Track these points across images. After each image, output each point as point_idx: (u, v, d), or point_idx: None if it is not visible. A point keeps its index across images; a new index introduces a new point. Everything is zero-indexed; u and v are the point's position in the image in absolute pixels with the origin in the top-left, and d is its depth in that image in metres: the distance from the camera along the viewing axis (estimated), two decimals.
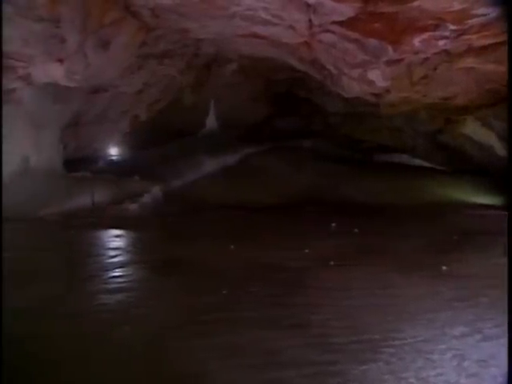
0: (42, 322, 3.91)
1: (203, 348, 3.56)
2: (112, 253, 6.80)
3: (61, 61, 10.79)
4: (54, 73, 11.18)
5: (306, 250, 7.18)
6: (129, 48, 11.80)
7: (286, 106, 20.32)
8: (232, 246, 7.22)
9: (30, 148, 12.56)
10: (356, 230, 8.93)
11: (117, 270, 5.64)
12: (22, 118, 12.49)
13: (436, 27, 7.90)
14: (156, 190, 12.16)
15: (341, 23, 8.67)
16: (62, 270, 5.86)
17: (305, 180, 14.78)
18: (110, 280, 5.22)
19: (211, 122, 18.70)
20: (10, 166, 12.35)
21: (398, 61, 9.33)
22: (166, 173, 13.39)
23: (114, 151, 16.09)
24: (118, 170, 13.61)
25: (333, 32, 9.29)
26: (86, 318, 4.07)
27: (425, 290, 5.23)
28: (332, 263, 6.35)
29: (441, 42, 8.41)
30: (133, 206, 11.07)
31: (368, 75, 10.05)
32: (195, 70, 15.72)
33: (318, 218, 10.65)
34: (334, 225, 9.60)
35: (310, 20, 9.05)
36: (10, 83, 11.92)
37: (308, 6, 8.62)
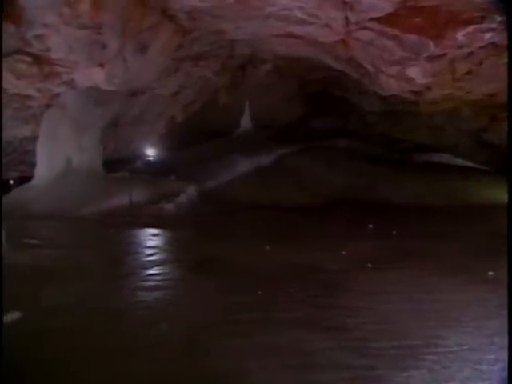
0: (82, 318, 4.02)
1: (240, 347, 3.54)
2: (149, 251, 6.95)
3: (102, 65, 11.19)
4: (96, 77, 11.60)
5: (343, 252, 7.03)
6: (165, 51, 12.05)
7: (321, 105, 20.09)
8: (267, 247, 7.20)
9: (72, 149, 13.11)
10: (394, 232, 8.67)
11: (154, 268, 5.75)
12: (66, 121, 13.06)
13: (482, 19, 7.51)
14: (191, 190, 12.35)
15: (379, 20, 8.45)
16: (101, 267, 6.03)
17: (340, 180, 14.54)
18: (148, 278, 5.32)
19: (246, 122, 18.78)
20: (55, 166, 12.96)
21: (440, 56, 8.95)
22: (201, 173, 13.58)
23: (150, 152, 16.47)
24: (154, 171, 13.95)
25: (370, 29, 9.06)
26: (125, 314, 4.16)
27: (470, 296, 4.96)
28: (370, 265, 6.18)
29: (487, 35, 7.99)
30: (169, 206, 11.30)
31: (407, 72, 9.72)
32: (230, 71, 15.83)
33: (354, 219, 10.43)
34: (370, 226, 9.37)
35: (346, 18, 8.88)
36: (54, 88, 12.50)
37: (345, 3, 8.46)
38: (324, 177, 14.74)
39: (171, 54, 12.43)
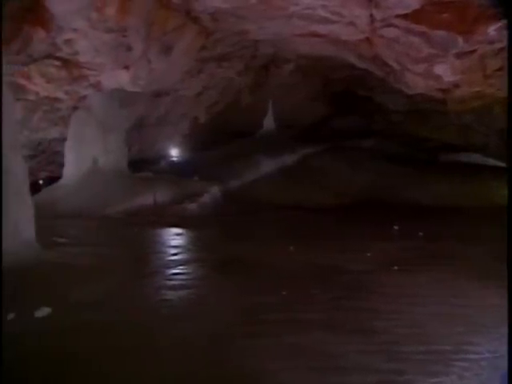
0: (108, 315, 4.08)
1: (264, 348, 3.52)
2: (173, 250, 7.02)
3: (127, 68, 11.40)
4: (121, 79, 11.83)
5: (368, 253, 6.91)
6: (189, 52, 12.16)
7: (344, 105, 19.85)
8: (291, 247, 7.15)
9: (99, 150, 13.42)
10: (421, 234, 8.46)
11: (178, 268, 5.80)
12: (92, 123, 13.38)
13: None
14: (215, 190, 12.42)
15: (405, 16, 8.26)
16: (126, 265, 6.11)
17: (364, 180, 14.31)
18: (172, 277, 5.37)
19: (269, 122, 18.76)
20: (82, 167, 13.30)
21: (470, 52, 8.67)
22: (224, 173, 13.64)
23: (174, 152, 16.68)
24: (178, 171, 14.10)
25: (396, 26, 8.87)
26: (150, 312, 4.20)
27: (501, 301, 4.77)
28: (396, 268, 6.05)
29: None
30: (192, 206, 11.40)
31: (434, 70, 9.47)
32: (253, 72, 15.85)
33: (379, 220, 10.23)
34: (396, 227, 9.18)
35: (371, 15, 8.73)
36: (82, 90, 12.82)
37: (369, 0, 8.32)
38: (348, 177, 14.56)
39: (195, 55, 12.54)
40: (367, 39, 9.83)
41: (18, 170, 5.66)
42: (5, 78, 5.90)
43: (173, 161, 16.65)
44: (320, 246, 7.54)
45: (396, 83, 11.28)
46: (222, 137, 17.48)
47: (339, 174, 14.79)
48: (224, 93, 16.38)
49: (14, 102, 5.99)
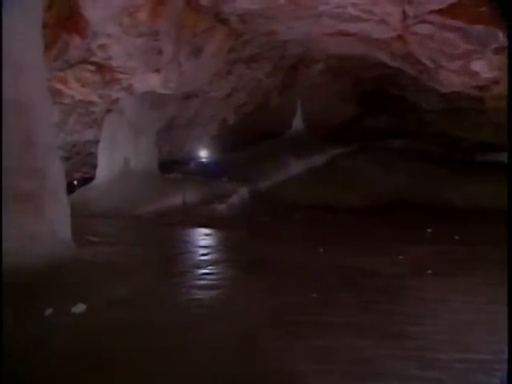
0: (140, 312, 4.14)
1: (294, 350, 3.46)
2: (202, 251, 7.07)
3: (158, 71, 11.62)
4: (152, 82, 12.08)
5: (400, 257, 6.72)
6: (218, 54, 12.27)
7: (375, 104, 19.46)
8: (320, 249, 7.06)
9: (130, 151, 13.75)
10: (456, 237, 8.15)
11: (208, 268, 5.83)
12: (124, 125, 13.73)
13: None
14: (243, 191, 12.46)
15: (440, 12, 8.02)
16: (157, 264, 6.20)
17: (397, 181, 13.96)
18: (202, 277, 5.40)
19: (298, 122, 18.65)
20: (114, 168, 13.66)
21: None
22: (253, 174, 13.65)
23: (203, 153, 16.86)
24: (207, 172, 14.22)
25: (430, 22, 8.63)
26: (180, 311, 4.23)
27: None
28: (430, 272, 5.84)
29: None
30: (221, 206, 11.48)
31: (471, 66, 9.14)
32: (282, 72, 15.80)
33: (412, 222, 9.96)
34: (429, 230, 8.90)
35: (403, 12, 8.53)
36: (114, 94, 13.18)
37: None
38: (379, 178, 14.24)
39: (224, 57, 12.64)
40: (399, 37, 9.60)
41: (55, 172, 5.86)
42: (44, 84, 6.13)
43: (202, 162, 16.82)
44: (350, 248, 7.41)
45: (429, 81, 10.96)
46: (251, 138, 17.52)
47: (370, 174, 14.50)
48: (253, 94, 16.42)
49: (52, 105, 6.17)
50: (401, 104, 18.68)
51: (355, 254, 6.88)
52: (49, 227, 5.57)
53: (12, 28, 5.32)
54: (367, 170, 14.88)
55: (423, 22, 8.63)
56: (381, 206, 12.31)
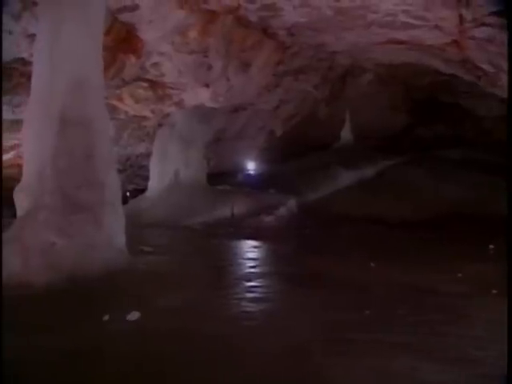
0: (192, 322, 4.17)
1: (349, 368, 3.31)
2: (251, 263, 7.05)
3: (207, 85, 11.97)
4: (202, 96, 12.45)
5: (459, 274, 6.31)
6: (266, 68, 12.42)
7: (428, 112, 18.71)
8: (372, 263, 6.80)
9: (180, 164, 14.18)
10: None
11: (257, 280, 5.79)
12: (175, 138, 14.21)
13: None
14: (291, 203, 12.38)
15: (501, 13, 7.57)
16: (206, 275, 6.26)
17: (453, 193, 13.24)
18: (251, 289, 5.37)
19: (347, 133, 18.37)
20: (165, 180, 14.14)
21: None
22: (301, 186, 13.54)
23: (251, 165, 17.00)
24: (255, 184, 14.29)
25: (489, 25, 8.18)
26: (231, 323, 4.22)
27: None
28: (495, 292, 5.41)
29: None
30: (269, 218, 11.46)
31: None
32: (330, 83, 15.68)
33: (472, 237, 9.35)
34: (492, 247, 8.31)
35: (460, 15, 8.16)
36: (166, 109, 13.72)
37: (458, 0, 7.79)
38: (434, 189, 13.58)
39: (271, 70, 12.77)
40: (455, 42, 9.21)
41: (112, 184, 6.15)
42: (103, 101, 6.50)
43: (250, 174, 16.97)
44: (403, 263, 7.06)
45: (489, 87, 10.38)
46: (299, 149, 17.47)
47: (424, 186, 13.86)
48: (301, 105, 16.42)
49: (110, 121, 6.53)
50: (456, 111, 17.83)
51: (409, 270, 6.55)
52: (106, 237, 5.83)
53: (78, 53, 5.73)
54: (421, 181, 14.25)
55: (482, 25, 8.20)
56: (436, 219, 11.71)
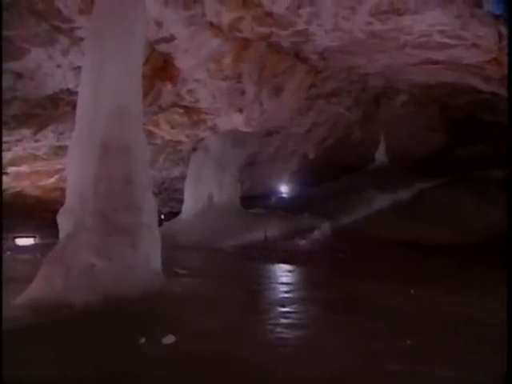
0: (227, 346, 4.12)
1: None
2: (285, 287, 6.94)
3: (241, 110, 12.23)
4: (235, 121, 12.72)
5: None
6: (299, 92, 12.55)
7: (467, 132, 18.14)
8: (411, 290, 6.52)
9: (214, 187, 14.41)
10: None
11: (292, 306, 5.68)
12: (209, 162, 14.51)
13: None
14: (325, 227, 12.21)
15: None
16: (240, 299, 6.21)
17: (496, 216, 12.60)
18: (286, 315, 5.27)
19: (381, 155, 18.10)
20: (199, 203, 14.37)
21: None
22: (335, 209, 13.36)
23: (284, 188, 17.00)
24: (288, 207, 14.23)
25: None
26: (267, 349, 4.13)
27: None
28: None
29: None
30: (303, 242, 11.33)
31: None
32: (363, 105, 15.61)
33: None
34: None
35: (499, 33, 7.98)
36: (200, 133, 14.09)
37: (496, 17, 7.64)
38: (475, 212, 13.01)
39: (304, 93, 12.89)
40: (494, 60, 8.98)
41: (149, 207, 6.31)
42: (141, 127, 6.77)
43: (283, 197, 16.96)
44: (444, 290, 6.72)
45: None
46: (333, 172, 17.35)
47: (464, 208, 13.31)
48: (333, 128, 16.40)
49: (147, 147, 6.76)
50: (496, 130, 17.16)
51: (451, 297, 6.22)
52: (143, 259, 5.94)
53: (119, 83, 6.03)
54: (459, 203, 13.69)
55: None
56: (476, 243, 11.15)
